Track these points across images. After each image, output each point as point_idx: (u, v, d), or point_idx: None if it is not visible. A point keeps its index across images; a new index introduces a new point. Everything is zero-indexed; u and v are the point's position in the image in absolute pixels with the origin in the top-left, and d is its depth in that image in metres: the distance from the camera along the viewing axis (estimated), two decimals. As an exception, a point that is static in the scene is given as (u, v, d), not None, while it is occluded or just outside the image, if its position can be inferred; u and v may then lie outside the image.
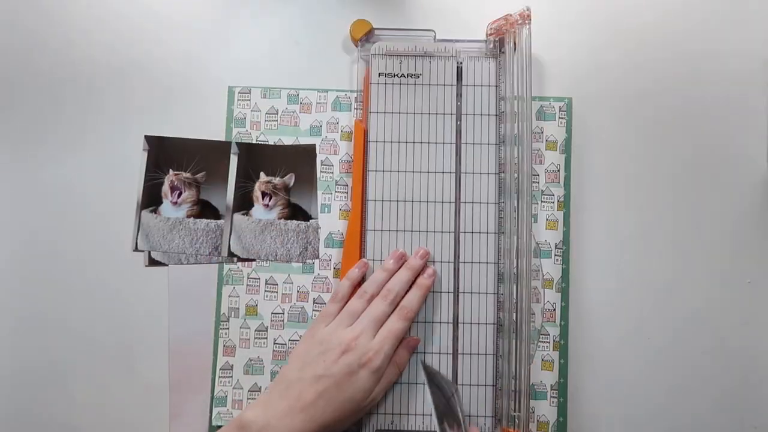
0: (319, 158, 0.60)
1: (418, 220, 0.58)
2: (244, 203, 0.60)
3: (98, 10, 0.62)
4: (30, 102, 0.61)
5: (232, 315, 0.58)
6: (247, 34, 0.62)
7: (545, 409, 0.57)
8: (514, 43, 0.58)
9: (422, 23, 0.61)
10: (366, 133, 0.59)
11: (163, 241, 0.59)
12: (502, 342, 0.56)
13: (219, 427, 0.57)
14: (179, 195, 0.60)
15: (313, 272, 0.59)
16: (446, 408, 0.52)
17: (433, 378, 0.54)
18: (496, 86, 0.59)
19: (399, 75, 0.59)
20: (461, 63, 0.59)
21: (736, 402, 0.57)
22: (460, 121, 0.59)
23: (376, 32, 0.60)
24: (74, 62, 0.61)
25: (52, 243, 0.59)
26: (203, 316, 0.58)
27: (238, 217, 0.59)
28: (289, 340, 0.58)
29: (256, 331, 0.58)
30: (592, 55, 0.61)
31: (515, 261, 0.56)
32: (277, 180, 0.60)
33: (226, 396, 0.57)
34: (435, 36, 0.60)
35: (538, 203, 0.59)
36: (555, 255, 0.58)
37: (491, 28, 0.59)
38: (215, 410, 0.57)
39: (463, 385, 0.56)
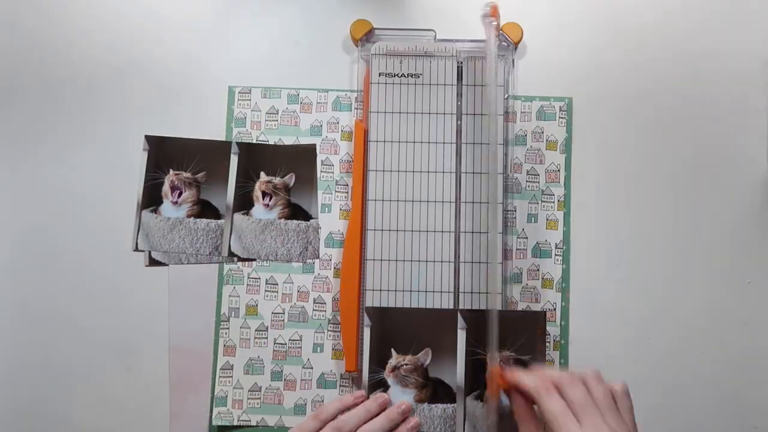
0: (319, 158, 0.60)
1: (418, 220, 0.58)
2: (244, 203, 0.60)
3: (98, 10, 0.62)
4: (30, 102, 0.61)
5: (233, 315, 0.58)
6: (247, 34, 0.62)
7: (545, 409, 0.57)
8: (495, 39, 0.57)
9: (422, 23, 0.61)
10: (366, 132, 0.59)
11: (164, 241, 0.59)
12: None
13: (219, 426, 0.57)
14: (179, 195, 0.60)
15: (313, 272, 0.59)
16: None
17: None
18: (503, 86, 0.59)
19: (399, 75, 0.59)
20: (461, 63, 0.59)
21: (736, 402, 0.57)
22: (461, 120, 0.59)
23: (376, 32, 0.60)
24: (74, 62, 0.61)
25: (52, 243, 0.59)
26: (203, 316, 0.58)
27: (238, 216, 0.59)
28: (290, 339, 0.58)
29: (256, 330, 0.58)
30: (592, 55, 0.61)
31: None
32: (277, 180, 0.60)
33: (226, 396, 0.57)
34: (435, 36, 0.60)
35: (538, 203, 0.59)
36: (555, 255, 0.58)
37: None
38: (215, 410, 0.57)
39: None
